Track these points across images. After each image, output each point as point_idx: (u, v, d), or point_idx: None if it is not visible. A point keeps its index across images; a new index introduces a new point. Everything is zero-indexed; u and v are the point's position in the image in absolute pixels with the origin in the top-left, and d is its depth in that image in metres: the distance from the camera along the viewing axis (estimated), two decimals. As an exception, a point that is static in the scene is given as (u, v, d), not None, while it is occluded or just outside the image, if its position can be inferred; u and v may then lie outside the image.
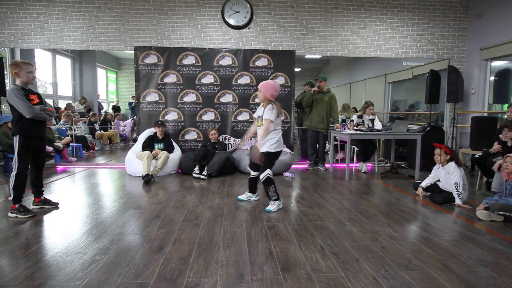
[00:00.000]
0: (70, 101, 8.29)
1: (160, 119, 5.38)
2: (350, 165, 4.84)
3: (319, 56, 6.09)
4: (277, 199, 3.13)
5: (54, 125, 6.26)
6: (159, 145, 4.98)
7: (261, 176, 3.06)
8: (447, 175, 3.45)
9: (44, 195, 3.13)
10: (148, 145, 4.93)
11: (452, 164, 3.42)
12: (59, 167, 5.35)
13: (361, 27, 5.81)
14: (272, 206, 3.10)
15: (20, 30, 5.27)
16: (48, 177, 4.50)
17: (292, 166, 5.21)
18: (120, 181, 4.41)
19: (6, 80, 5.55)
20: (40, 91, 7.51)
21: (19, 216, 2.77)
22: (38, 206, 3.07)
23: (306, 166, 5.53)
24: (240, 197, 3.48)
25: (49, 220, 2.80)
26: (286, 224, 2.72)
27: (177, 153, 5.05)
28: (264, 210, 3.11)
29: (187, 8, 5.48)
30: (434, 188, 3.60)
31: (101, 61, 10.09)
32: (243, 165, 4.91)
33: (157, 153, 4.78)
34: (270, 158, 3.06)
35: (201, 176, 4.52)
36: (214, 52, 5.44)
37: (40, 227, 2.61)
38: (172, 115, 5.47)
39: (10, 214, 2.80)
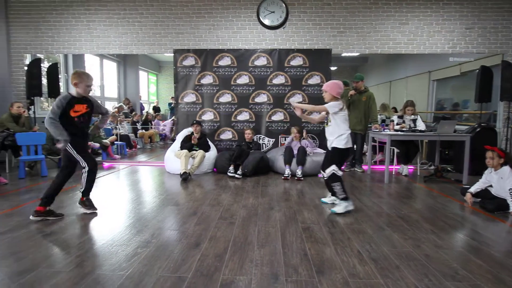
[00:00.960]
0: (115, 103, 8.86)
1: (197, 119, 5.56)
2: (390, 167, 4.62)
3: (356, 54, 5.89)
4: (345, 198, 2.97)
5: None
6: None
7: (326, 172, 3.01)
8: (501, 180, 3.15)
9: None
10: (186, 143, 5.11)
11: (506, 169, 3.13)
12: (105, 164, 5.75)
13: (403, 22, 5.52)
14: (339, 207, 2.96)
15: (73, 37, 5.73)
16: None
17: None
18: (159, 178, 4.62)
19: (60, 83, 6.07)
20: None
21: (87, 211, 2.95)
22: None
23: (343, 167, 5.36)
24: (324, 199, 3.38)
25: (97, 213, 3.01)
26: (321, 226, 2.66)
27: (213, 152, 5.17)
28: (298, 211, 3.07)
29: (223, 11, 5.60)
30: (484, 194, 3.31)
31: (143, 64, 10.66)
32: (277, 165, 4.90)
33: (195, 138, 4.92)
34: (338, 154, 3.00)
35: (236, 175, 4.59)
36: (249, 52, 5.49)
37: (88, 219, 2.82)
38: (208, 115, 5.62)
39: (79, 205, 3.00)
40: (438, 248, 2.27)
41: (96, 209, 3.01)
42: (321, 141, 5.52)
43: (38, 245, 2.25)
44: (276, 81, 5.50)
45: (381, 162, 5.57)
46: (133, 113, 8.65)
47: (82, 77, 2.80)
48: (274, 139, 5.59)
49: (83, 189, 2.97)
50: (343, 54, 5.77)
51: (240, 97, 5.54)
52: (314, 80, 5.45)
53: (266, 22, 5.51)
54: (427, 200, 3.58)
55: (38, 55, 5.87)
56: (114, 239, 2.36)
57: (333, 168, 2.98)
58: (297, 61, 5.44)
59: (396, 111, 7.07)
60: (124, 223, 2.70)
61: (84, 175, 2.93)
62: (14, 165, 5.13)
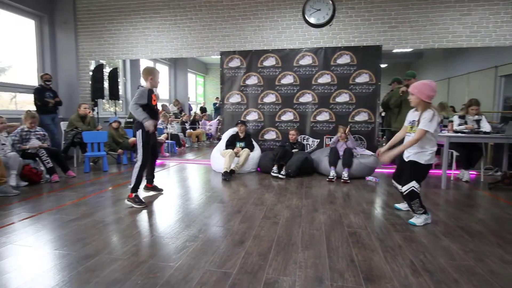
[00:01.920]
0: (166, 103, 9.40)
1: (242, 119, 5.66)
2: (448, 172, 4.24)
3: (409, 50, 5.50)
4: (424, 212, 2.74)
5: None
6: (240, 143, 5.25)
7: (404, 188, 2.71)
8: None
9: (154, 182, 3.71)
10: (230, 143, 5.24)
11: None
12: (157, 161, 6.12)
13: (464, 13, 5.02)
14: (418, 220, 2.72)
15: (130, 44, 6.22)
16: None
17: (376, 170, 4.85)
18: (206, 176, 4.80)
19: (119, 87, 6.64)
20: (144, 95, 8.72)
21: (134, 205, 3.19)
22: (149, 191, 3.67)
23: (393, 170, 5.05)
24: (398, 205, 3.20)
25: (150, 206, 3.23)
26: (369, 232, 2.54)
27: (257, 152, 5.23)
28: (344, 214, 2.97)
29: (268, 11, 5.62)
30: None
31: (191, 67, 11.18)
32: (322, 166, 4.79)
33: (238, 150, 5.04)
34: (419, 169, 2.69)
35: (280, 176, 4.58)
36: (294, 52, 5.45)
37: (142, 212, 3.03)
38: (252, 115, 5.69)
39: (126, 202, 3.24)
40: (505, 263, 2.02)
41: (145, 204, 3.22)
42: (370, 143, 5.26)
43: (100, 233, 2.48)
44: (322, 80, 5.37)
45: (437, 166, 5.14)
46: (182, 113, 9.12)
47: (154, 72, 3.29)
48: (318, 140, 5.47)
49: (132, 185, 3.23)
50: (395, 50, 5.43)
51: (284, 97, 5.52)
52: (363, 78, 5.21)
53: (312, 20, 5.41)
54: (493, 209, 3.21)
55: (101, 61, 6.48)
56: (165, 231, 2.51)
57: (412, 185, 2.68)
58: (344, 59, 5.26)
59: (454, 110, 6.47)
60: (173, 218, 2.86)
61: (136, 170, 3.24)
62: (81, 160, 5.73)
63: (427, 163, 2.68)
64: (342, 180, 4.38)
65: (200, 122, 9.50)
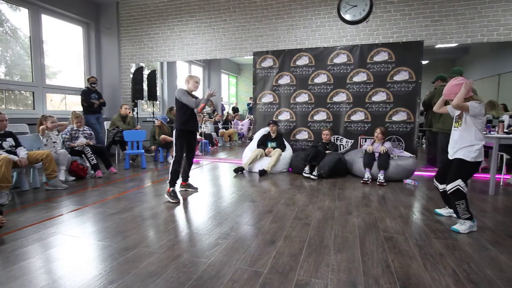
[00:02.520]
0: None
1: (274, 119, 5.66)
2: (497, 176, 3.90)
3: (454, 45, 5.14)
4: (469, 218, 2.56)
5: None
6: (272, 143, 5.25)
7: (449, 187, 2.57)
8: None
9: (188, 181, 3.87)
10: (262, 143, 5.27)
11: None
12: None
13: (520, 3, 4.58)
14: (462, 226, 2.54)
15: (167, 47, 6.49)
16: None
17: (415, 172, 4.60)
18: (238, 175, 4.87)
19: (157, 88, 6.95)
20: (179, 95, 9.07)
21: (170, 200, 3.37)
22: (184, 189, 3.83)
23: (433, 174, 4.77)
24: (438, 210, 3.02)
25: (185, 203, 3.35)
26: (407, 238, 2.42)
27: (288, 152, 5.20)
28: (380, 218, 2.85)
29: (302, 10, 5.56)
30: None
31: (224, 67, 11.39)
32: (356, 167, 4.65)
33: (269, 151, 5.05)
34: (466, 167, 2.55)
35: (311, 176, 4.52)
36: (328, 50, 5.34)
37: (177, 208, 3.15)
38: (284, 115, 5.67)
39: (166, 196, 3.45)
40: None
41: (179, 200, 3.39)
42: (408, 144, 5.01)
43: (139, 227, 2.62)
44: (357, 78, 5.21)
45: (485, 169, 4.75)
46: (215, 113, 9.33)
47: (192, 77, 3.61)
48: (353, 140, 5.30)
49: (168, 179, 3.49)
50: (438, 46, 5.11)
51: (317, 96, 5.43)
52: (401, 76, 4.97)
53: (347, 17, 5.26)
54: (551, 219, 2.90)
55: (141, 63, 6.83)
56: (198, 228, 2.59)
57: (458, 183, 2.53)
58: (382, 56, 5.05)
59: (506, 109, 5.94)
60: (206, 215, 2.94)
61: (171, 166, 3.49)
62: (121, 157, 6.09)
63: (475, 160, 2.52)
64: (377, 183, 4.22)
65: (232, 122, 9.65)
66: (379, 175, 4.27)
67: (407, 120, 4.99)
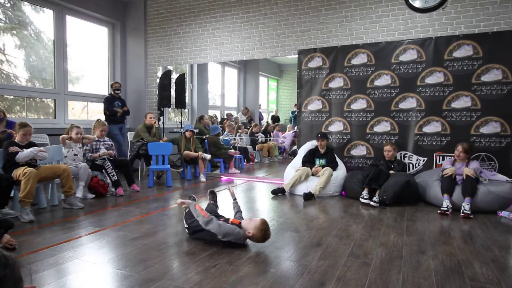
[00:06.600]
0: (233, 112, 9.88)
1: (323, 130, 5.57)
2: None
3: None
4: None
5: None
6: (320, 160, 5.15)
7: None
8: None
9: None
10: (308, 160, 5.19)
11: None
12: (223, 178, 6.42)
13: None
14: None
15: (199, 47, 6.77)
16: (215, 186, 5.47)
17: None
18: (278, 198, 4.81)
19: (186, 94, 7.25)
20: (210, 103, 9.40)
21: None
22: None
23: None
24: None
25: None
26: (506, 290, 2.17)
27: (341, 171, 5.06)
28: (465, 261, 2.61)
29: (359, -2, 5.50)
30: None
31: (263, 69, 11.56)
32: (431, 193, 4.38)
33: (317, 170, 4.95)
34: None
35: (371, 203, 4.34)
36: (392, 45, 5.18)
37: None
38: (336, 126, 5.56)
39: None
40: None
41: None
42: (504, 164, 4.60)
43: (163, 255, 2.66)
44: (431, 80, 4.97)
45: None
46: (252, 123, 9.42)
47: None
48: (426, 158, 5.03)
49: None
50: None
51: (378, 102, 5.26)
52: (492, 76, 4.64)
53: (417, 4, 5.08)
54: None
55: (169, 67, 7.19)
56: (231, 261, 2.57)
57: None
58: (464, 51, 4.77)
59: None
60: (240, 245, 2.91)
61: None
62: (145, 173, 6.37)
63: None
64: (461, 214, 3.92)
65: (272, 134, 9.67)
66: (463, 204, 3.97)
67: (501, 132, 4.62)
